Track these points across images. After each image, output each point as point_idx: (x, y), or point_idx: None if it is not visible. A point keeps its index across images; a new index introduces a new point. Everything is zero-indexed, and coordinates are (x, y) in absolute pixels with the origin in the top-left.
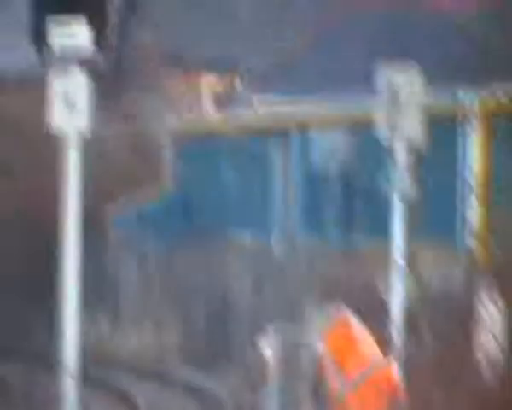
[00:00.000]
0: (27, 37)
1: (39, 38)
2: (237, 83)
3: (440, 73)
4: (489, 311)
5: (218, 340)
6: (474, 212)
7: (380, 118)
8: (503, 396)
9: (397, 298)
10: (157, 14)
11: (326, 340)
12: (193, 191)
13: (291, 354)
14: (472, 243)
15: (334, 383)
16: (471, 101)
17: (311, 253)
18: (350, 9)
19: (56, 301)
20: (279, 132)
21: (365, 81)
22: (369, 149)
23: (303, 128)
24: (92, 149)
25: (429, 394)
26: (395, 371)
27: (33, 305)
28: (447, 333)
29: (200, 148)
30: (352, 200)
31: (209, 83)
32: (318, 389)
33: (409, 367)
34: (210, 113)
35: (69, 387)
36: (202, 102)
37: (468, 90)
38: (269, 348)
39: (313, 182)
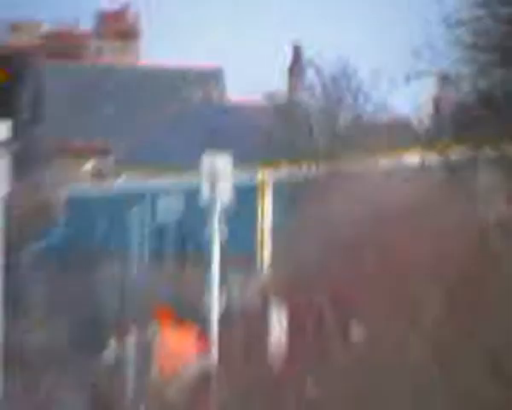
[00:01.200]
0: None
1: None
2: (110, 162)
3: (244, 157)
4: (275, 324)
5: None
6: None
7: (205, 188)
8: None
9: (214, 307)
10: (51, 111)
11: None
12: (78, 233)
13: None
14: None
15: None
16: (263, 176)
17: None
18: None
19: None
20: (137, 196)
21: (198, 161)
22: (197, 208)
23: (152, 194)
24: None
25: (237, 374)
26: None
27: None
28: (244, 334)
29: (83, 206)
30: (185, 244)
31: (90, 163)
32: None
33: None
34: (90, 183)
35: None
36: (85, 176)
37: (260, 169)
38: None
39: (158, 231)
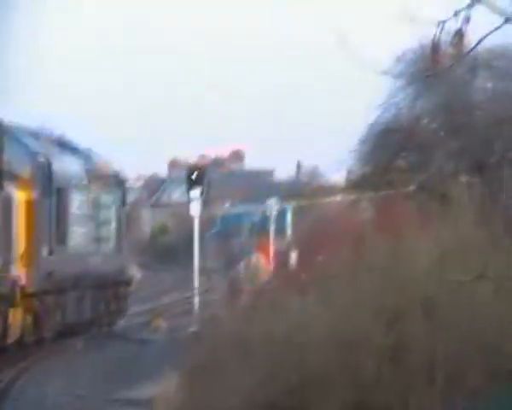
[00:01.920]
0: None
1: None
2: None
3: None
4: (292, 255)
5: None
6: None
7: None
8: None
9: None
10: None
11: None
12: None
13: None
14: None
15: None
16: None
17: None
18: None
19: None
20: (246, 213)
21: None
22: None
23: (251, 212)
24: None
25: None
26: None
27: None
28: None
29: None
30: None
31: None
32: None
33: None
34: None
35: None
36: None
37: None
38: None
39: (252, 227)
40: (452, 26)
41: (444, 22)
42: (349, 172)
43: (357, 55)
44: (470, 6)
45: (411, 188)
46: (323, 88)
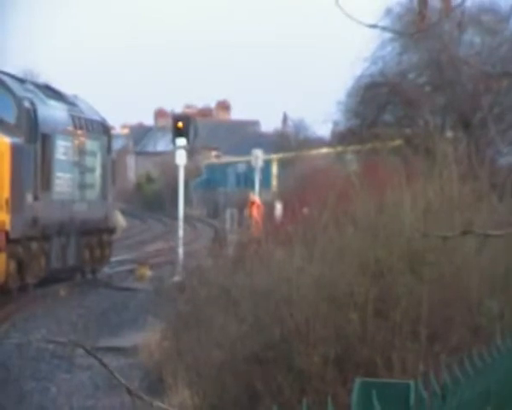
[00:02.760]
0: None
1: None
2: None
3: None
4: (278, 207)
5: None
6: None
7: (253, 161)
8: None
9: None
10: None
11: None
12: (209, 178)
13: None
14: None
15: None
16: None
17: None
18: None
19: None
20: (231, 164)
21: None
22: (252, 169)
23: (236, 163)
24: None
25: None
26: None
27: None
28: None
29: (211, 168)
30: (247, 182)
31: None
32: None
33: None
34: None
35: None
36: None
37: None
38: None
39: (237, 177)
40: None
41: None
42: (335, 124)
43: (346, 7)
44: None
45: (397, 142)
46: (311, 39)
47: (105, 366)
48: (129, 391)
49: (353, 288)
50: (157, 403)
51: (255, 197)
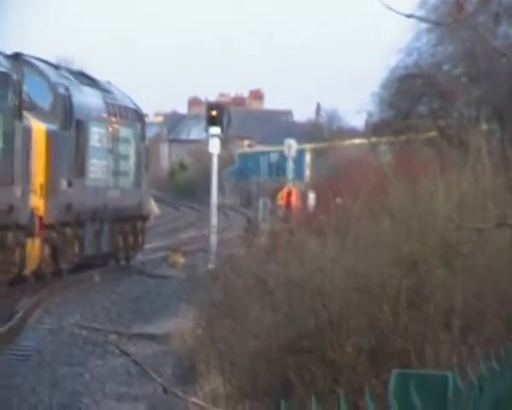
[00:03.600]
0: None
1: None
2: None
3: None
4: (311, 196)
5: None
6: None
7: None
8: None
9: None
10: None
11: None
12: (242, 167)
13: None
14: None
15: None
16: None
17: None
18: None
19: None
20: (264, 153)
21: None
22: (284, 158)
23: (268, 152)
24: None
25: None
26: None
27: None
28: None
29: (244, 156)
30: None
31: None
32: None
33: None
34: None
35: None
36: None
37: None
38: None
39: (270, 166)
40: None
41: None
42: (369, 115)
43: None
44: None
45: (431, 134)
46: (345, 29)
47: (138, 363)
48: (165, 390)
49: (386, 279)
50: (193, 400)
51: (292, 187)
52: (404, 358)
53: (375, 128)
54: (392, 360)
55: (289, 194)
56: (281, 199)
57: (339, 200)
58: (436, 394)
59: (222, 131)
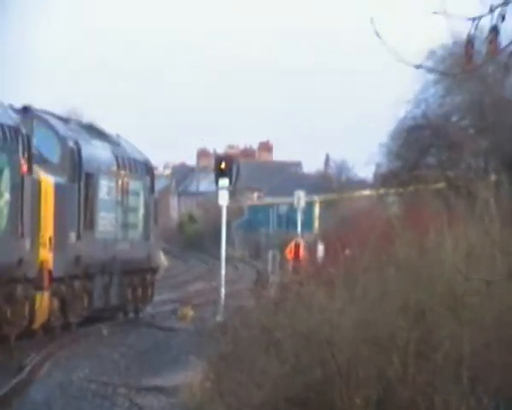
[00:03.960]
0: None
1: None
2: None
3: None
4: (320, 248)
5: None
6: (316, 225)
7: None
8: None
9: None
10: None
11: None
12: (251, 218)
13: None
14: None
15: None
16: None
17: None
18: None
19: None
20: (272, 205)
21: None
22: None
23: (277, 205)
24: None
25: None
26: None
27: None
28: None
29: (253, 209)
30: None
31: (255, 195)
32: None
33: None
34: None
35: None
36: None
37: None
38: None
39: (279, 218)
40: (486, 22)
41: (478, 18)
42: (377, 166)
43: (389, 48)
44: (506, 3)
45: (440, 185)
46: (353, 81)
47: None
48: None
49: (395, 329)
50: None
51: (300, 239)
52: (413, 409)
53: (383, 179)
54: None
55: (297, 247)
56: (289, 253)
57: (347, 251)
58: None
59: (231, 183)
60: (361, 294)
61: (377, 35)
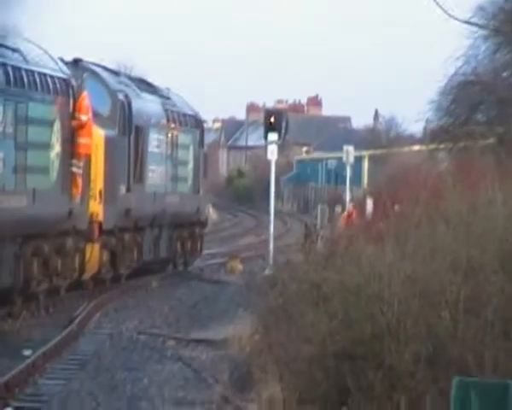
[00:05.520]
0: None
1: None
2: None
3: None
4: (369, 202)
5: None
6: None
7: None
8: None
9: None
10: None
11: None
12: (299, 173)
13: None
14: None
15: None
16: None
17: None
18: None
19: None
20: (321, 160)
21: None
22: (342, 164)
23: (326, 159)
24: None
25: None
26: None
27: None
28: None
29: (301, 163)
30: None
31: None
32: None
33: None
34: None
35: None
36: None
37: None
38: None
39: (328, 172)
40: None
41: None
42: (427, 122)
43: (439, 4)
44: None
45: (490, 141)
46: (404, 36)
47: None
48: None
49: (445, 285)
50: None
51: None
52: (463, 365)
53: (433, 135)
54: (450, 367)
55: (350, 216)
56: (342, 222)
57: (397, 206)
58: (497, 401)
59: (280, 137)
60: (411, 249)
61: None
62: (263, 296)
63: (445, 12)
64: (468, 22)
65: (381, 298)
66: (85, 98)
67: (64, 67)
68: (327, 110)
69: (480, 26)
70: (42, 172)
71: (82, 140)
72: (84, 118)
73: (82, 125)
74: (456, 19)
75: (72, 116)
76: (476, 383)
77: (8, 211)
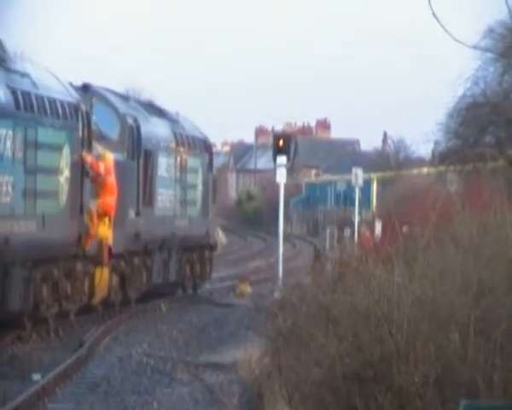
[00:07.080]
0: None
1: None
2: (320, 172)
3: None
4: (377, 225)
5: None
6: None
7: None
8: None
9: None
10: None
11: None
12: (308, 195)
13: None
14: None
15: None
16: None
17: None
18: None
19: None
20: (330, 182)
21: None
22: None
23: (335, 182)
24: None
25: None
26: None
27: None
28: None
29: (310, 185)
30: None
31: (313, 172)
32: None
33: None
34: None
35: None
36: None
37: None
38: None
39: (337, 195)
40: None
41: None
42: (436, 144)
43: (446, 28)
44: None
45: (499, 163)
46: (411, 59)
47: None
48: None
49: (455, 307)
50: None
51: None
52: (472, 387)
53: (442, 157)
54: (459, 390)
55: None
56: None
57: (405, 228)
58: None
59: (289, 160)
60: (421, 271)
61: (434, 17)
62: (272, 319)
63: (454, 38)
64: (476, 47)
65: (391, 320)
66: (111, 161)
67: (73, 92)
68: (335, 133)
69: (488, 51)
70: (51, 196)
71: (107, 199)
72: (110, 179)
73: (107, 185)
74: (464, 44)
75: (98, 174)
76: (484, 406)
77: (18, 236)
